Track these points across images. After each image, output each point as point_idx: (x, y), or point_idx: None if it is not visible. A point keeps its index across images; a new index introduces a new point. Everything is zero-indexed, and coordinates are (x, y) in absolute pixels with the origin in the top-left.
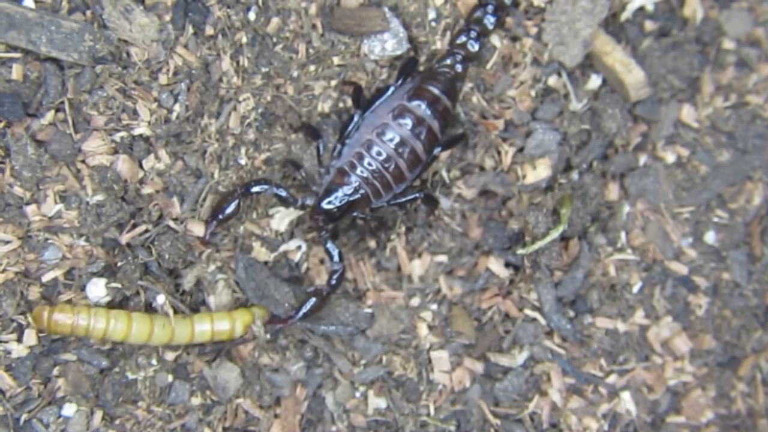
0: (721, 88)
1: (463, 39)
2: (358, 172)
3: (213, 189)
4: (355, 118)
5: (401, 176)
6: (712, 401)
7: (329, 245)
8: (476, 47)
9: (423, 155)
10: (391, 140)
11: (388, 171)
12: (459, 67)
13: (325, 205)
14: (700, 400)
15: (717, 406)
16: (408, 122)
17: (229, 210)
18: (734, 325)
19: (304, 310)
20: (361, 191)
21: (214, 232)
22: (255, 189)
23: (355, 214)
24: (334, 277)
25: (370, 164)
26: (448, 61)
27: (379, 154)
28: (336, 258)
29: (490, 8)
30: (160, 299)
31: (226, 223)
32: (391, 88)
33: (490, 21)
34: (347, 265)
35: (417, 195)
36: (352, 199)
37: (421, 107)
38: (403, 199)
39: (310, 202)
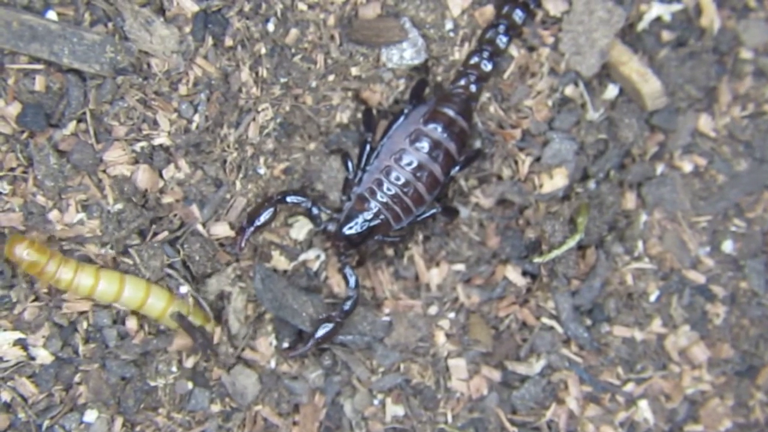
0: (739, 98)
1: (476, 59)
2: (377, 198)
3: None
4: (368, 142)
5: (420, 200)
6: (730, 410)
7: (347, 270)
8: (489, 67)
9: (441, 177)
10: (409, 165)
11: (407, 195)
12: (473, 88)
13: (346, 231)
14: (718, 409)
15: (735, 415)
16: (425, 146)
17: (265, 218)
18: (752, 334)
19: (318, 336)
20: (381, 216)
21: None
22: (291, 199)
23: (376, 237)
24: (348, 303)
25: (389, 189)
26: (462, 82)
27: (397, 179)
28: (352, 284)
29: (502, 28)
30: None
31: (261, 230)
32: (405, 112)
33: (502, 41)
34: (366, 273)
35: (435, 210)
36: (372, 224)
37: (437, 130)
38: (423, 216)
39: (332, 227)
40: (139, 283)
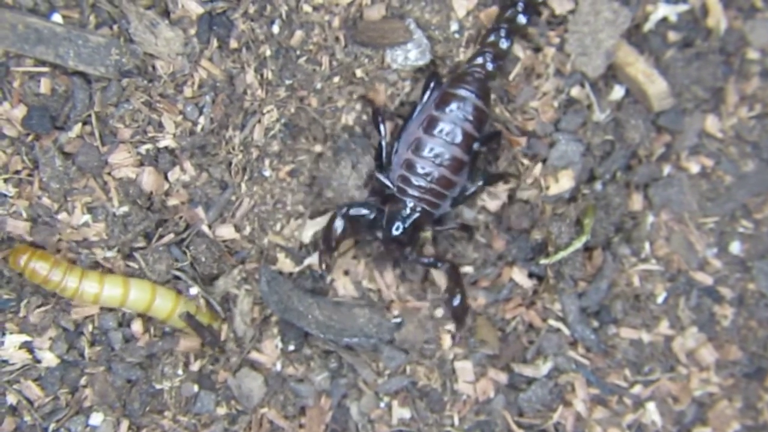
0: (746, 98)
1: (493, 38)
2: (408, 193)
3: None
4: (383, 145)
5: (449, 183)
6: (739, 412)
7: (423, 261)
8: (507, 45)
9: (464, 157)
10: (429, 152)
11: (434, 183)
12: (490, 66)
13: (393, 233)
14: (726, 411)
15: (743, 417)
16: (439, 130)
17: (339, 233)
18: (760, 336)
19: (456, 305)
20: (418, 209)
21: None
22: (354, 212)
23: (429, 228)
24: (452, 281)
25: (416, 182)
26: (479, 60)
27: (422, 168)
28: (439, 264)
29: (520, 6)
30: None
31: (338, 247)
32: (419, 107)
33: (521, 20)
34: (371, 275)
35: (480, 184)
36: (413, 219)
37: (451, 113)
38: (469, 193)
39: (379, 235)
40: (145, 285)
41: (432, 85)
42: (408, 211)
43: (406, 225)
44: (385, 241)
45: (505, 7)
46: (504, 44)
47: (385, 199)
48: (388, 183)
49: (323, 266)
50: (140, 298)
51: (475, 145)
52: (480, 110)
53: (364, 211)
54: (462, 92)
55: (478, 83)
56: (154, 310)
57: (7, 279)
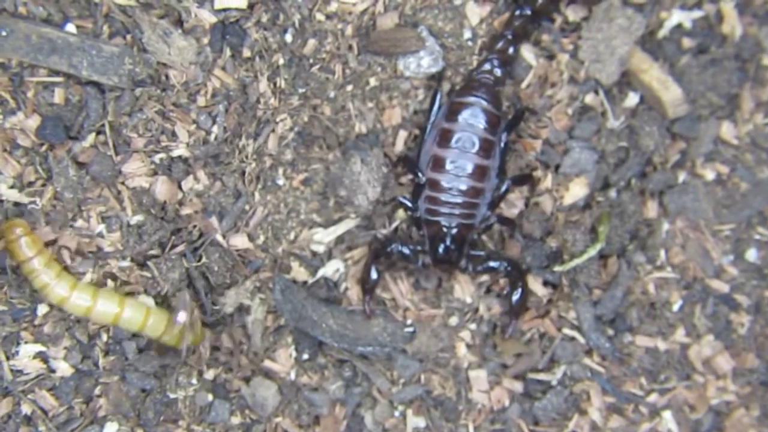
0: (761, 105)
1: (500, 44)
2: (440, 212)
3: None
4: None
5: (477, 191)
6: (756, 421)
7: (481, 269)
8: (513, 51)
9: (485, 161)
10: (450, 165)
11: (462, 194)
12: (498, 71)
13: (440, 255)
14: (743, 420)
15: (761, 425)
16: (455, 141)
17: (374, 278)
18: None
19: (516, 301)
20: (455, 224)
21: (370, 305)
22: (387, 250)
23: (476, 236)
24: (513, 277)
25: (444, 198)
26: (486, 67)
27: (447, 182)
28: (503, 265)
29: (527, 11)
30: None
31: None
32: (429, 125)
33: (529, 28)
34: (385, 284)
35: (509, 184)
36: (453, 235)
37: (463, 121)
38: (501, 194)
39: (427, 260)
40: (113, 297)
41: (438, 99)
42: (445, 229)
43: (448, 244)
44: (436, 264)
45: (512, 13)
46: (511, 50)
47: (423, 223)
48: (418, 211)
49: (367, 310)
50: (107, 311)
51: (503, 136)
52: (492, 114)
53: (392, 247)
54: (471, 99)
55: (486, 88)
56: (124, 323)
57: (22, 289)
